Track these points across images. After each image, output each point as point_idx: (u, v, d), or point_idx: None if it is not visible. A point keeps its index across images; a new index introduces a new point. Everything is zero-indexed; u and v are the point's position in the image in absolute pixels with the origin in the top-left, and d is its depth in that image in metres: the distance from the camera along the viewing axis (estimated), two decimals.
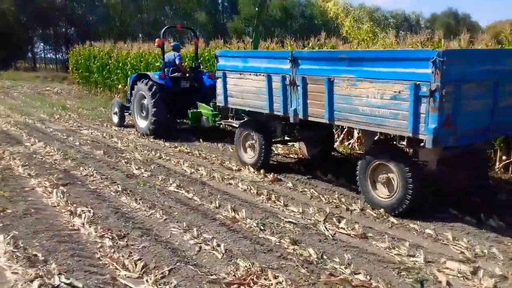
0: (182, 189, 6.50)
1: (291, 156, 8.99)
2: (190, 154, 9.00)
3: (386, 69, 5.13)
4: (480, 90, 5.07)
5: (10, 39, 38.12)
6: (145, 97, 10.51)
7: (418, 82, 4.80)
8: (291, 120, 6.56)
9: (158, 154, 8.74)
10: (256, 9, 11.17)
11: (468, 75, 4.84)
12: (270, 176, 7.14)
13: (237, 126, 8.52)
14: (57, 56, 48.29)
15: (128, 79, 12.74)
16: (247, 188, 6.54)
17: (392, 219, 5.39)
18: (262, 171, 7.31)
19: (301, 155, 8.92)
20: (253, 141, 7.78)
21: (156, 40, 11.07)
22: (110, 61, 19.95)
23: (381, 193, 5.73)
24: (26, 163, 7.70)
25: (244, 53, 8.27)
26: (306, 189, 6.55)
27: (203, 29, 49.24)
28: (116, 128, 11.67)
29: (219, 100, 8.07)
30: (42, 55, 51.88)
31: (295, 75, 6.31)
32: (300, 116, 6.42)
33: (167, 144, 9.85)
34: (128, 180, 6.97)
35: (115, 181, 6.83)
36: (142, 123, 10.79)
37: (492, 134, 5.85)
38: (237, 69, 7.44)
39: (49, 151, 8.73)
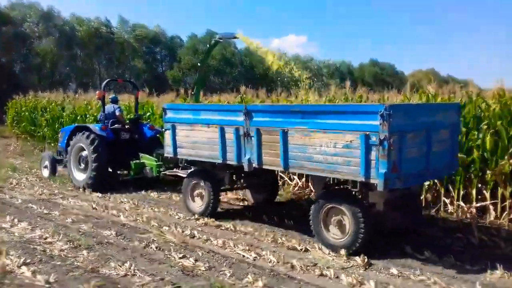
0: None
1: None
2: (223, 229, 7.28)
3: (338, 121, 5.69)
4: (418, 139, 5.80)
5: None
6: (83, 149, 10.30)
7: (367, 132, 5.39)
8: (246, 168, 6.87)
9: (188, 232, 6.94)
10: (199, 64, 11.62)
11: (408, 126, 5.55)
12: (359, 259, 5.67)
13: (183, 176, 8.68)
14: None
15: (60, 131, 12.42)
16: (353, 281, 5.02)
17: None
18: (342, 251, 5.88)
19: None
20: (202, 190, 7.96)
21: (97, 92, 11.10)
22: (64, 113, 18.01)
23: (334, 234, 6.16)
24: (28, 260, 5.51)
25: (196, 106, 8.53)
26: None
27: (140, 77, 48.55)
28: (99, 195, 9.78)
29: (168, 151, 8.19)
30: None
31: (249, 126, 6.69)
32: (255, 165, 6.76)
33: (180, 215, 8.10)
34: (189, 279, 5.15)
35: (174, 282, 5.03)
36: (80, 176, 10.50)
37: (428, 177, 6.61)
38: (188, 121, 7.68)
39: (43, 236, 6.59)
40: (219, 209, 8.19)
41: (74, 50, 46.86)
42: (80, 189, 10.27)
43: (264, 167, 6.72)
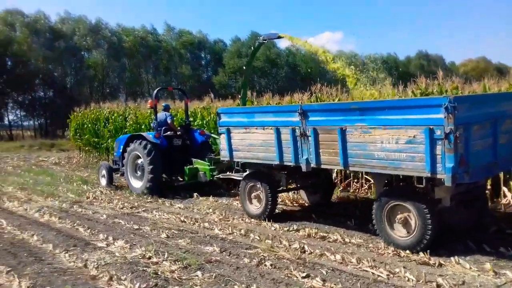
0: None
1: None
2: (331, 241, 6.63)
3: (399, 116, 5.58)
4: (484, 130, 5.60)
5: None
6: (139, 157, 10.62)
7: (432, 126, 5.24)
8: (304, 169, 6.85)
9: (297, 245, 6.28)
10: (244, 67, 11.69)
11: (474, 118, 5.36)
12: (510, 274, 4.97)
13: (237, 178, 8.78)
14: (35, 122, 44.74)
15: (115, 140, 12.84)
16: None
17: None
18: (487, 265, 5.22)
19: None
20: (259, 192, 8.00)
21: (149, 101, 11.41)
22: (127, 123, 17.84)
23: (399, 233, 6.03)
24: (144, 285, 5.03)
25: (250, 109, 8.61)
26: None
27: (187, 83, 49.44)
28: (181, 206, 9.47)
29: (223, 154, 8.30)
30: (17, 122, 46.69)
31: (305, 126, 6.67)
32: (313, 164, 6.73)
33: (275, 226, 7.49)
34: None
35: None
36: (137, 184, 10.83)
37: (496, 170, 6.36)
38: (242, 124, 7.75)
39: (146, 255, 6.05)
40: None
41: (122, 60, 47.91)
42: (145, 196, 10.37)
43: (322, 166, 6.69)
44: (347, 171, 9.92)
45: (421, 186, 5.67)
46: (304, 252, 6.05)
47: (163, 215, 8.62)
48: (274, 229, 7.33)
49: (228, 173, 9.67)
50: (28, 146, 27.77)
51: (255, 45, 10.22)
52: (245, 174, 8.45)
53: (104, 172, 12.20)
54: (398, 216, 5.99)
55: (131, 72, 49.02)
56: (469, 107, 5.29)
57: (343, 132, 6.18)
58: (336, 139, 6.28)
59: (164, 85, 42.77)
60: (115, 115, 18.96)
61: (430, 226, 5.64)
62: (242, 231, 7.16)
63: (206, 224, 7.78)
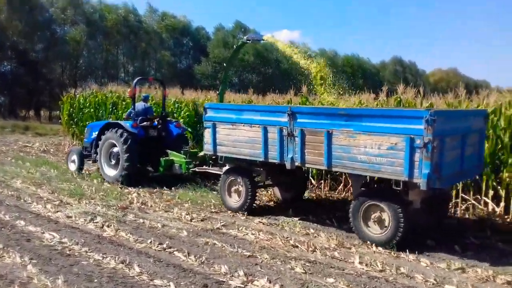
0: None
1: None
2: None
3: (383, 124, 6.19)
4: (455, 142, 6.33)
5: None
6: (115, 146, 10.70)
7: (412, 136, 5.89)
8: (288, 167, 7.32)
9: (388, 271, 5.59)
10: (224, 64, 12.06)
11: (448, 130, 6.07)
12: None
13: (213, 172, 9.17)
14: None
15: (87, 126, 12.81)
16: None
17: None
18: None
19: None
20: (239, 186, 8.42)
21: (128, 90, 11.46)
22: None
23: (374, 230, 6.66)
24: None
25: (238, 106, 8.99)
26: None
27: (167, 71, 46.79)
28: (263, 220, 7.89)
29: (207, 148, 8.63)
30: None
31: (293, 127, 7.16)
32: (297, 163, 7.23)
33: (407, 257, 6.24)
34: None
35: None
36: (110, 172, 10.91)
37: (461, 178, 7.15)
38: (229, 120, 8.12)
39: None
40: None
41: (99, 39, 43.63)
42: (205, 205, 8.97)
43: (306, 165, 7.22)
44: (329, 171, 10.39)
45: (399, 188, 6.32)
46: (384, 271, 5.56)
47: (259, 234, 7.04)
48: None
49: (204, 167, 10.01)
50: None
51: (238, 44, 10.60)
52: (225, 168, 8.83)
53: (74, 157, 12.11)
54: (373, 215, 6.62)
55: (107, 53, 45.13)
56: (445, 120, 5.98)
57: (329, 135, 6.72)
58: (322, 141, 6.81)
59: (139, 69, 40.80)
60: (126, 100, 16.60)
61: (402, 225, 6.30)
62: (386, 266, 5.77)
63: (330, 253, 6.27)
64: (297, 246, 6.53)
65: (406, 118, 6.04)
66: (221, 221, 7.80)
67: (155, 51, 48.33)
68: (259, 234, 7.05)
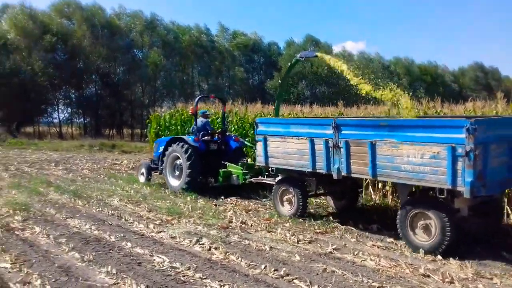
0: None
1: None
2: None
3: (425, 134, 6.30)
4: (500, 149, 6.29)
5: (28, 99, 33.97)
6: (179, 158, 11.54)
7: (454, 145, 5.96)
8: (335, 176, 7.60)
9: None
10: (279, 81, 12.47)
11: (491, 138, 6.07)
12: None
13: (268, 183, 9.59)
14: (85, 119, 42.08)
15: (154, 142, 13.85)
16: None
17: None
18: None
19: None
20: (290, 196, 8.80)
21: (190, 108, 12.27)
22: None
23: (421, 237, 6.74)
24: None
25: (286, 120, 9.41)
26: None
27: (240, 88, 48.39)
28: (378, 243, 7.21)
29: (259, 160, 9.11)
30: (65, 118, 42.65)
31: (338, 139, 7.44)
32: (344, 173, 7.49)
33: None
34: None
35: None
36: (174, 182, 11.76)
37: (508, 185, 7.04)
38: (278, 134, 8.55)
39: None
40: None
41: (175, 60, 45.94)
42: (308, 223, 8.51)
43: (352, 175, 7.44)
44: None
45: (443, 196, 6.38)
46: None
47: (378, 260, 6.35)
48: None
49: (260, 177, 10.49)
50: (88, 146, 26.18)
51: (292, 62, 10.94)
52: (277, 179, 9.24)
53: (143, 170, 13.21)
54: (420, 223, 6.71)
55: (183, 73, 47.18)
56: (487, 128, 5.99)
57: (373, 146, 6.92)
58: (366, 152, 7.02)
59: (213, 87, 41.90)
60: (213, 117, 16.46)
61: (449, 233, 6.34)
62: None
63: (472, 285, 5.50)
64: (428, 276, 5.74)
65: (447, 128, 6.12)
66: (331, 243, 7.15)
67: (228, 68, 49.94)
68: (379, 261, 6.32)
